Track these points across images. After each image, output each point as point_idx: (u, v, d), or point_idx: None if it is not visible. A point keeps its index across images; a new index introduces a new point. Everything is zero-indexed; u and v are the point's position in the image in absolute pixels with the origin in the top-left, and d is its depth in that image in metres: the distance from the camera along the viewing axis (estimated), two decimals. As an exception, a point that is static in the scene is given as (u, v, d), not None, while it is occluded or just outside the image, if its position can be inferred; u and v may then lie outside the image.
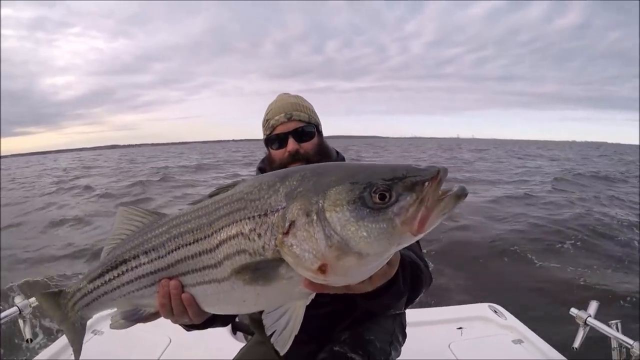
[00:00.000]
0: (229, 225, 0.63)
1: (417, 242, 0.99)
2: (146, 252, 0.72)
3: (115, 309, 0.80)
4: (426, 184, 0.54)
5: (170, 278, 0.71)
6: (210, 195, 0.72)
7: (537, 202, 9.54)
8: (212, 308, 0.73)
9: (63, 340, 1.71)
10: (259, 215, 0.60)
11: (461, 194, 0.57)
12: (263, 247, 0.60)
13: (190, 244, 0.67)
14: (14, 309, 1.32)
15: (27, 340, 1.36)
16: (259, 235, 0.60)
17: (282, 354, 0.61)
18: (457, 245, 6.18)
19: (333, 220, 0.54)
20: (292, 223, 0.56)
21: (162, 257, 0.70)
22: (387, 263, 0.65)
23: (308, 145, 1.15)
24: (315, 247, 0.55)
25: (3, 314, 1.28)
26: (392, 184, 0.54)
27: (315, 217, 0.56)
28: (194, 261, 0.68)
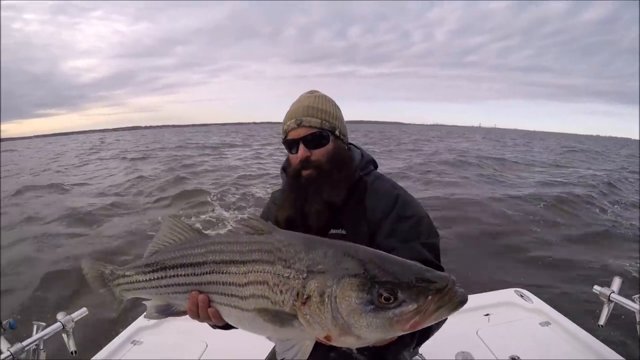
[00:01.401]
0: (258, 272, 0.71)
1: (439, 256, 1.02)
2: (184, 266, 0.81)
3: (151, 300, 0.91)
4: (429, 297, 0.59)
5: (200, 292, 0.80)
6: (247, 229, 0.79)
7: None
8: (234, 324, 0.83)
9: (106, 350, 1.86)
10: (284, 276, 0.69)
11: (459, 304, 0.61)
12: (283, 301, 0.69)
13: (222, 272, 0.76)
14: (58, 324, 1.36)
15: (72, 353, 1.36)
16: (281, 292, 0.69)
17: None
18: (479, 230, 6.27)
19: (342, 306, 0.62)
20: (309, 297, 0.65)
21: (196, 275, 0.79)
22: None
23: (319, 152, 1.08)
24: (323, 322, 0.64)
25: (47, 330, 1.31)
26: (399, 288, 0.60)
27: (327, 300, 0.64)
28: (223, 287, 0.77)
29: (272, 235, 0.77)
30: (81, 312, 1.50)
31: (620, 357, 1.52)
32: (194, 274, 0.81)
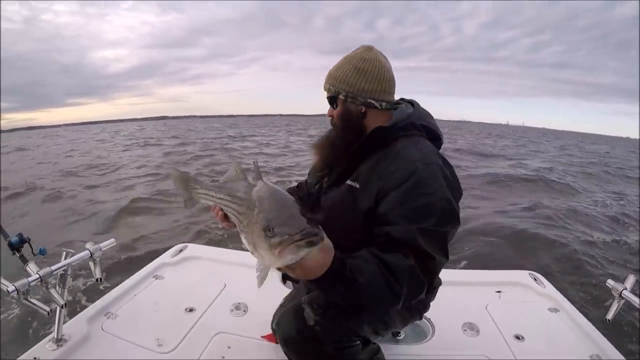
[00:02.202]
0: (237, 206, 0.94)
1: (441, 246, 0.98)
2: (222, 192, 1.05)
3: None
4: (287, 236, 0.75)
5: (221, 209, 1.04)
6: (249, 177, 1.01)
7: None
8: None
9: (126, 284, 1.95)
10: (247, 212, 0.89)
11: (308, 244, 0.74)
12: (245, 229, 0.88)
13: (228, 201, 1.01)
14: (86, 252, 1.43)
15: (97, 280, 1.45)
16: (243, 223, 0.89)
17: (258, 288, 0.86)
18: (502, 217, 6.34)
19: (254, 235, 0.83)
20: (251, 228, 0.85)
21: (221, 199, 1.04)
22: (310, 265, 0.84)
23: (334, 113, 1.19)
24: (251, 246, 0.84)
25: (76, 257, 1.38)
26: (277, 228, 0.77)
27: (253, 230, 0.83)
28: (229, 210, 1.00)
29: (255, 184, 0.96)
30: (109, 243, 1.57)
31: (621, 356, 1.52)
32: (220, 198, 1.04)
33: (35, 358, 1.33)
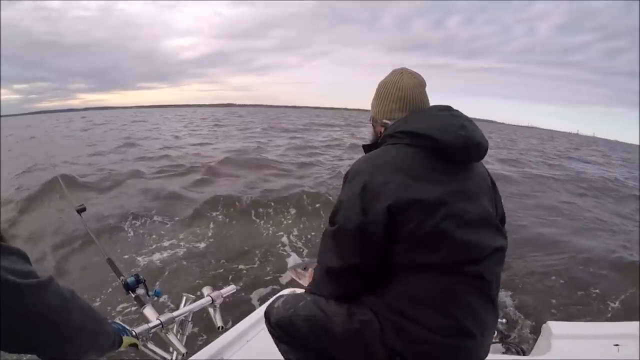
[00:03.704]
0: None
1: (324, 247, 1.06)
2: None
3: None
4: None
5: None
6: None
7: None
8: None
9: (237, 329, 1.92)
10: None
11: None
12: None
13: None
14: (207, 298, 1.35)
15: (219, 328, 1.34)
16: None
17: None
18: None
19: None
20: None
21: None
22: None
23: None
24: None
25: (197, 303, 1.31)
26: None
27: None
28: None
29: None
30: (230, 289, 1.48)
31: None
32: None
33: None
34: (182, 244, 5.42)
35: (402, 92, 1.14)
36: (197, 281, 4.22)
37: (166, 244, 5.40)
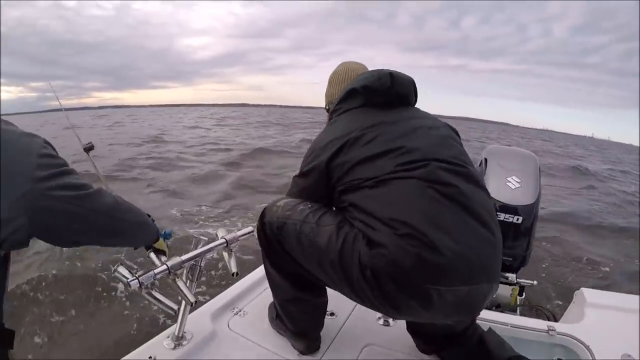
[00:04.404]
0: None
1: None
2: None
3: None
4: None
5: None
6: None
7: None
8: None
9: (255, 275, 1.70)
10: None
11: None
12: None
13: None
14: (221, 240, 1.23)
15: (233, 274, 1.23)
16: None
17: None
18: None
19: None
20: None
21: None
22: None
23: None
24: None
25: (210, 245, 1.18)
26: None
27: None
28: None
29: None
30: (247, 231, 1.34)
31: None
32: None
33: (150, 357, 1.14)
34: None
35: (351, 72, 1.28)
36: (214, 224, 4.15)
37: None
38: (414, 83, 1.17)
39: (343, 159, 1.02)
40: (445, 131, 1.10)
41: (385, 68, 1.16)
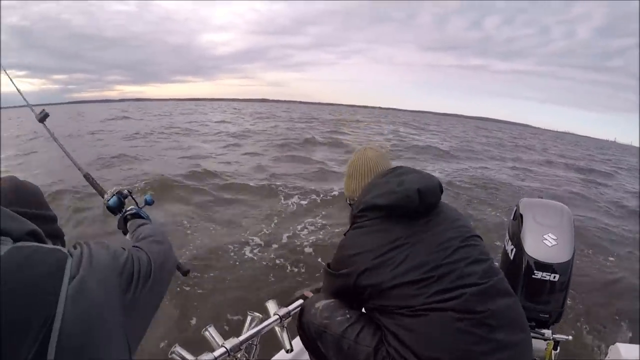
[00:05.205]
0: None
1: None
2: None
3: None
4: None
5: None
6: None
7: None
8: None
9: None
10: None
11: None
12: None
13: None
14: (275, 317, 1.24)
15: (287, 351, 1.24)
16: None
17: None
18: None
19: None
20: None
21: None
22: None
23: None
24: None
25: (265, 323, 1.20)
26: None
27: None
28: None
29: None
30: (299, 304, 1.31)
31: None
32: None
33: None
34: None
35: (369, 163, 1.27)
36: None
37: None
38: (440, 186, 1.17)
39: (373, 281, 1.05)
40: (465, 231, 1.12)
41: (410, 172, 1.17)
